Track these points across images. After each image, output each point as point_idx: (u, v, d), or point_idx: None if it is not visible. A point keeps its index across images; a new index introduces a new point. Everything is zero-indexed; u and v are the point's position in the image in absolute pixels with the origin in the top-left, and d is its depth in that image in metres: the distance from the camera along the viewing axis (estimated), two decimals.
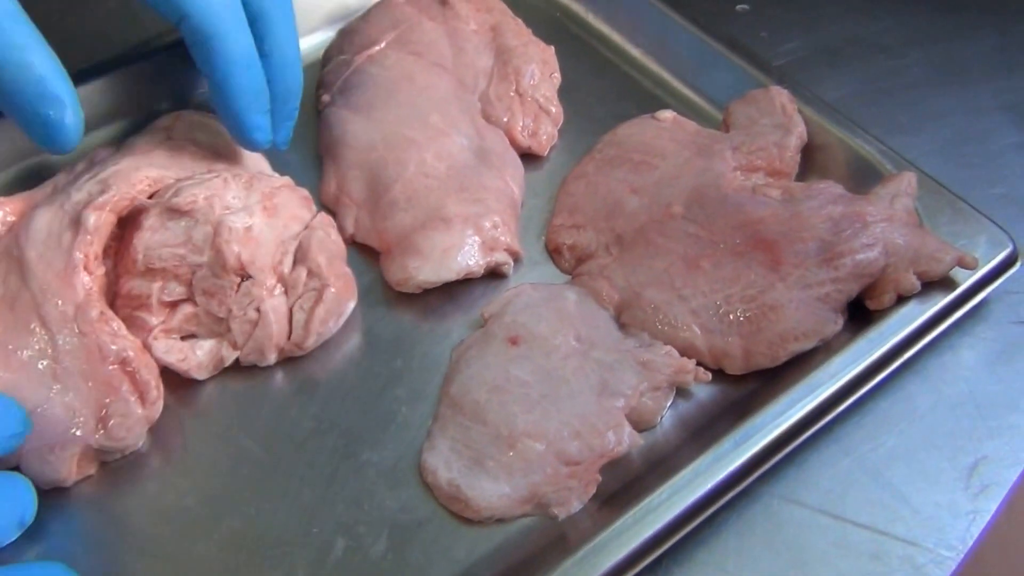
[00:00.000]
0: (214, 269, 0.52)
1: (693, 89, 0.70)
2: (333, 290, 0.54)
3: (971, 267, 0.54)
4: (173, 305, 0.53)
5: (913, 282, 0.54)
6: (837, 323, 0.54)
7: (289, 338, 0.54)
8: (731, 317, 0.54)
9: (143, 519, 0.49)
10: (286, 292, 0.54)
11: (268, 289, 0.53)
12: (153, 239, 0.51)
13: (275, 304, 0.53)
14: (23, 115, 0.46)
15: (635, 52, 0.72)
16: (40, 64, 0.45)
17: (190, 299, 0.53)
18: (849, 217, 0.55)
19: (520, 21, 0.71)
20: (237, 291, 0.52)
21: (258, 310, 0.52)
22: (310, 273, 0.54)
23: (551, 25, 0.74)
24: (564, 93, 0.69)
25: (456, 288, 0.58)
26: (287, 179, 0.57)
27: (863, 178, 0.61)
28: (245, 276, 0.52)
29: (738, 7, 0.77)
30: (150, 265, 0.51)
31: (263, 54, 0.54)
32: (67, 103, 0.46)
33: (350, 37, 0.69)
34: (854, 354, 0.52)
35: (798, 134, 0.61)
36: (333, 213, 0.62)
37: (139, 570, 0.47)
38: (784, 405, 0.50)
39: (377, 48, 0.67)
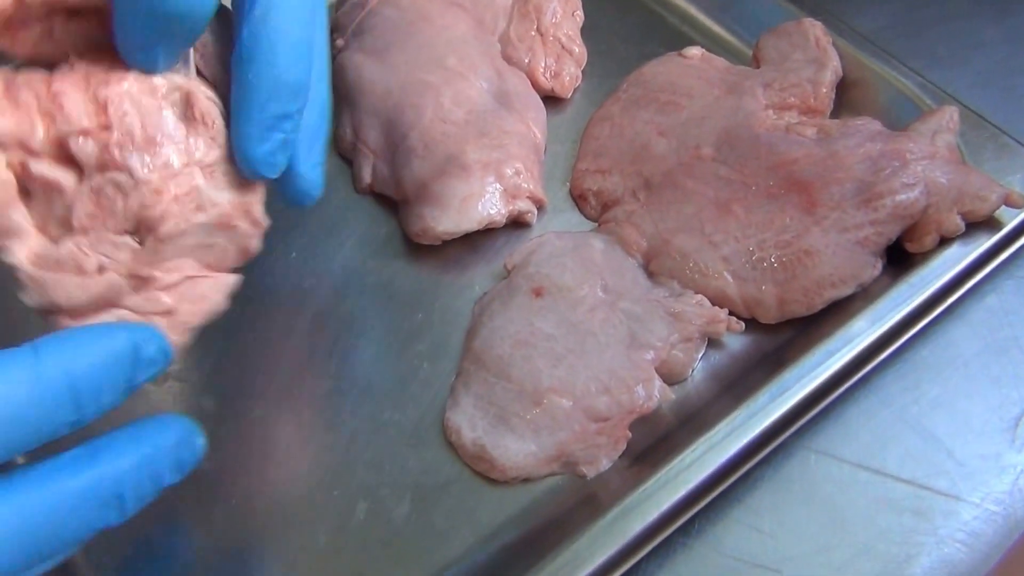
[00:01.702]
0: None
1: (721, 24, 0.67)
2: None
3: (1018, 205, 0.51)
4: None
5: (957, 223, 0.51)
6: (876, 267, 0.51)
7: None
8: (764, 263, 0.51)
9: None
10: None
11: None
12: None
13: None
14: None
15: None
16: None
17: None
18: (888, 155, 0.52)
19: None
20: None
21: None
22: None
23: None
24: (587, 32, 0.66)
25: (477, 238, 0.56)
26: None
27: (902, 114, 0.58)
28: None
29: None
30: None
31: (248, 22, 0.39)
32: None
33: None
34: (894, 300, 0.50)
35: (833, 68, 0.58)
36: (350, 162, 0.60)
37: (155, 534, 0.46)
38: (821, 356, 0.48)
39: None
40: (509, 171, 0.55)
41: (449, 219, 0.54)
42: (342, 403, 0.51)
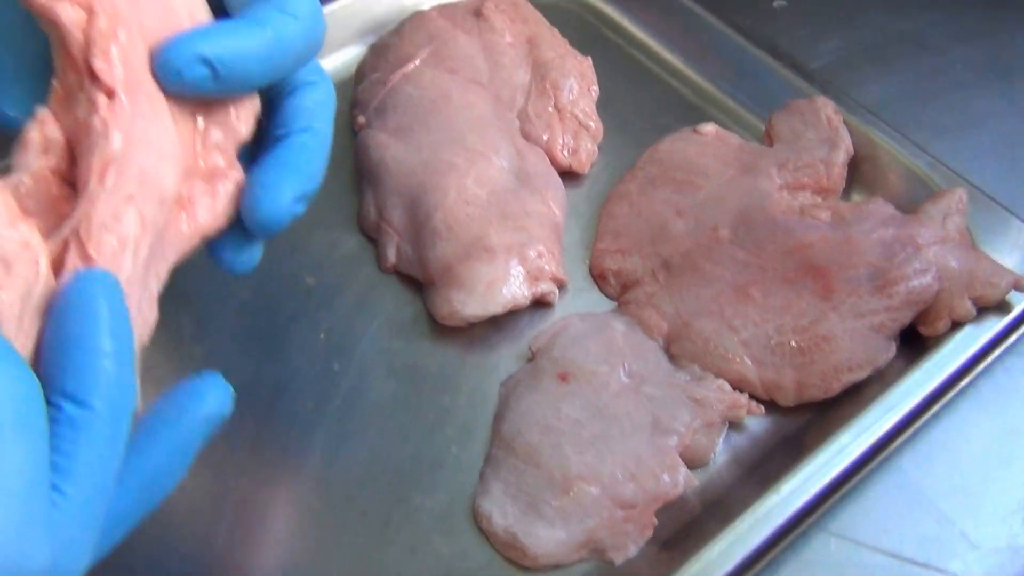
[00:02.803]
0: None
1: (733, 98, 0.68)
2: None
3: None
4: None
5: (968, 308, 0.53)
6: (890, 351, 0.53)
7: None
8: (783, 348, 0.53)
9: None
10: None
11: None
12: None
13: None
14: None
15: (673, 59, 0.71)
16: None
17: None
18: (901, 240, 0.54)
19: (556, 31, 0.69)
20: None
21: None
22: None
23: (585, 31, 0.73)
24: (601, 105, 0.68)
25: (501, 318, 0.57)
26: None
27: (912, 192, 0.60)
28: None
29: (775, 3, 0.75)
30: None
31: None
32: None
33: (383, 54, 0.68)
34: (910, 385, 0.52)
35: (845, 148, 0.60)
36: (374, 241, 0.61)
37: None
38: (840, 443, 0.50)
39: (412, 65, 0.66)
40: (532, 254, 0.57)
41: (475, 303, 0.56)
42: (374, 487, 0.52)
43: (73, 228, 0.34)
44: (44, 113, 0.37)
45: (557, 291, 0.58)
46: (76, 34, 0.36)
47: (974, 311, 0.53)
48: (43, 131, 0.37)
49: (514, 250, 0.57)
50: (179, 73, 0.37)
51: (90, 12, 0.36)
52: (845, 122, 0.62)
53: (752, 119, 0.67)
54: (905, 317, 0.53)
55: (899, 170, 0.61)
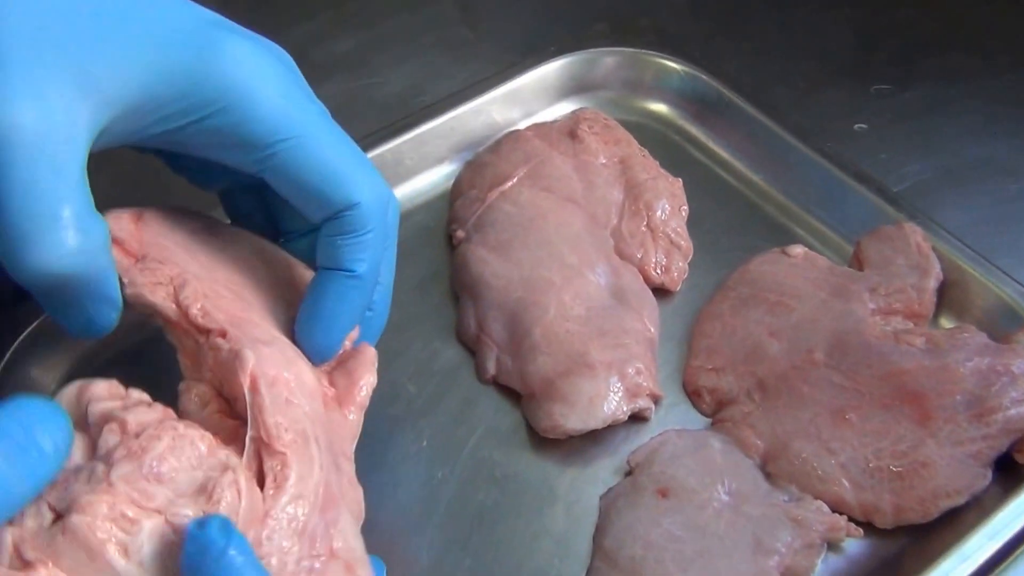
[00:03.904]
0: None
1: (818, 218, 0.70)
2: None
3: None
4: None
5: None
6: (987, 478, 0.54)
7: None
8: (881, 472, 0.54)
9: None
10: None
11: None
12: None
13: None
14: (74, 313, 0.42)
15: (759, 180, 0.73)
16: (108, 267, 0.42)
17: None
18: (997, 370, 0.55)
19: (647, 152, 0.72)
20: None
21: None
22: None
23: (674, 150, 0.76)
24: (690, 223, 0.70)
25: (599, 431, 0.59)
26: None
27: (1001, 320, 0.61)
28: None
29: (856, 126, 0.77)
30: None
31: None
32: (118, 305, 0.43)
33: (480, 171, 0.70)
34: (1009, 514, 0.52)
35: (935, 275, 0.62)
36: (473, 352, 0.63)
37: None
38: (943, 569, 0.51)
39: (509, 184, 0.68)
40: (631, 370, 0.59)
41: (577, 417, 0.57)
42: None
43: (253, 438, 0.40)
44: (183, 385, 0.45)
45: (653, 407, 0.60)
46: (172, 307, 0.44)
47: None
48: (192, 395, 0.44)
49: (614, 367, 0.59)
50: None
51: (173, 286, 0.44)
52: (932, 248, 0.63)
53: (837, 240, 0.69)
54: (1002, 445, 0.54)
55: (988, 296, 0.62)
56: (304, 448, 0.40)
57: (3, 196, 0.37)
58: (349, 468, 0.45)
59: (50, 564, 0.32)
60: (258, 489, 0.38)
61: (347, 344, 0.49)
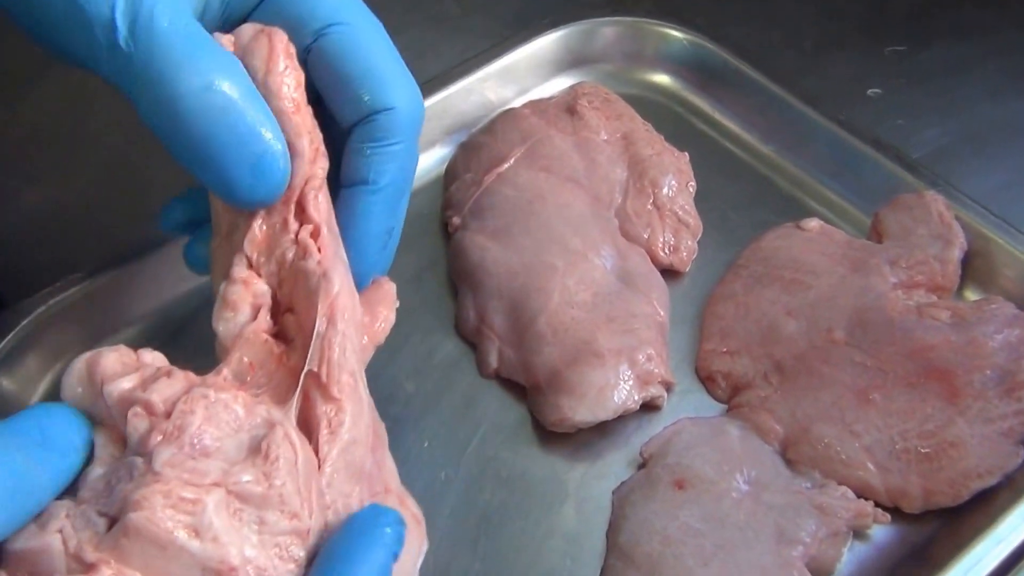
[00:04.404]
0: None
1: (832, 190, 0.67)
2: None
3: None
4: None
5: None
6: (1019, 456, 0.51)
7: None
8: (908, 454, 0.51)
9: None
10: None
11: None
12: None
13: None
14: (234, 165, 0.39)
15: (769, 151, 0.70)
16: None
17: None
18: None
19: (650, 126, 0.69)
20: None
21: None
22: None
23: (678, 124, 0.72)
24: (697, 200, 0.67)
25: (608, 423, 0.56)
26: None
27: None
28: None
29: (869, 91, 0.74)
30: None
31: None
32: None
33: (475, 153, 0.67)
34: None
35: (959, 245, 0.58)
36: (473, 345, 0.60)
37: None
38: (977, 554, 0.48)
39: (506, 165, 0.65)
40: (641, 357, 0.56)
41: (586, 409, 0.54)
42: None
43: (309, 378, 0.37)
44: (245, 273, 0.40)
45: (666, 394, 0.57)
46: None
47: None
48: (251, 289, 0.40)
49: (623, 354, 0.56)
50: None
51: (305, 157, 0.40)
52: (955, 216, 0.60)
53: (854, 212, 0.66)
54: None
55: (1015, 265, 0.59)
56: (355, 390, 0.39)
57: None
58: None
59: (113, 562, 0.31)
60: (306, 440, 0.36)
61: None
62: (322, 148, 0.42)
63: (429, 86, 0.70)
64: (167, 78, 0.37)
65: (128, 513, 0.32)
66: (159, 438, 0.34)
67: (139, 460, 0.33)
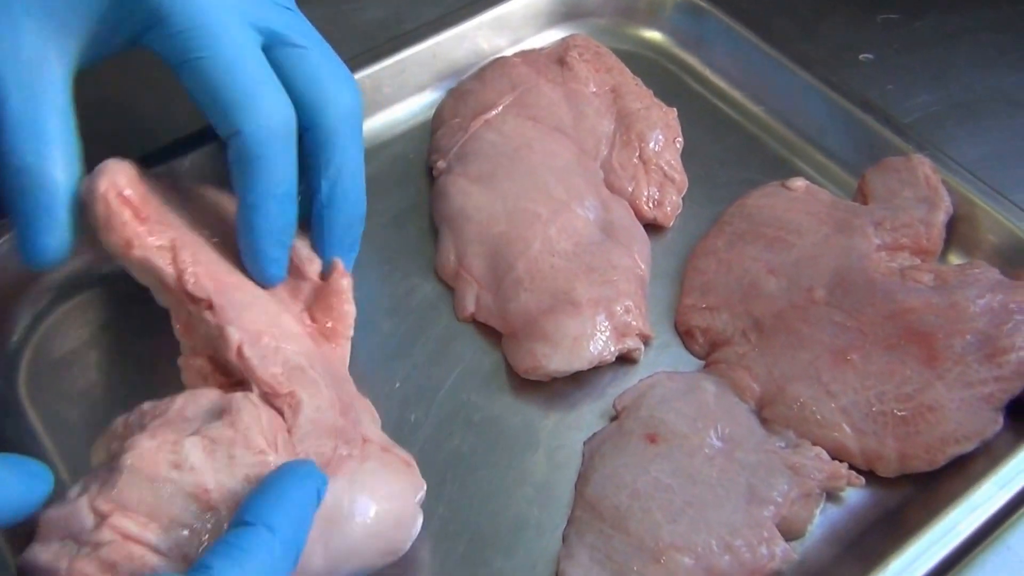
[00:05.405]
0: None
1: (821, 151, 0.66)
2: None
3: None
4: None
5: None
6: (998, 422, 0.51)
7: None
8: (885, 417, 0.51)
9: None
10: None
11: None
12: None
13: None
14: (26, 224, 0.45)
15: (759, 111, 0.69)
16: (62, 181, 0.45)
17: None
18: (1010, 308, 0.52)
19: (640, 81, 0.68)
20: None
21: None
22: None
23: (668, 80, 0.72)
24: (684, 157, 0.66)
25: (584, 373, 0.55)
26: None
27: (1013, 255, 0.58)
28: None
29: (861, 56, 0.73)
30: None
31: (327, 178, 0.52)
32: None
33: (464, 99, 0.66)
34: (1021, 462, 0.49)
35: (945, 209, 0.58)
36: (452, 288, 0.59)
37: None
38: (952, 520, 0.47)
39: (494, 112, 0.64)
40: (619, 309, 0.55)
41: (561, 358, 0.54)
42: (452, 549, 0.50)
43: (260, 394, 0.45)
44: (182, 360, 0.49)
45: (643, 347, 0.56)
46: (171, 272, 0.46)
47: None
48: (193, 370, 0.48)
49: (601, 305, 0.55)
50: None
51: (173, 250, 0.46)
52: (942, 180, 0.59)
53: (842, 173, 0.65)
54: (1015, 388, 0.50)
55: (1000, 231, 0.58)
56: (304, 376, 0.46)
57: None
58: (351, 387, 0.49)
59: (117, 513, 0.38)
60: (272, 411, 0.44)
61: (313, 275, 0.52)
62: (168, 239, 0.47)
63: (421, 31, 0.70)
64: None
65: (125, 456, 0.39)
66: (142, 422, 0.42)
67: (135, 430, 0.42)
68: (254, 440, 0.41)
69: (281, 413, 0.44)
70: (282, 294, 0.51)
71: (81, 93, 0.47)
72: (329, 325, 0.52)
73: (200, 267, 0.46)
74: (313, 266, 0.53)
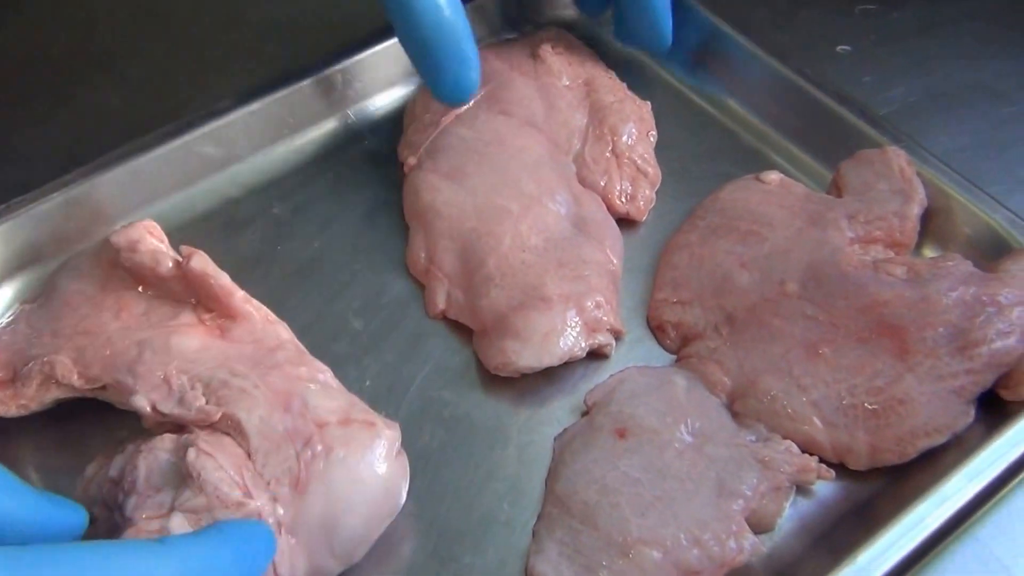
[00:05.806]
0: None
1: (797, 144, 0.66)
2: None
3: None
4: None
5: None
6: (969, 415, 0.50)
7: None
8: (856, 410, 0.50)
9: None
10: None
11: None
12: None
13: None
14: (439, 71, 0.54)
15: (733, 103, 0.68)
16: (463, 28, 0.53)
17: None
18: (982, 300, 0.51)
19: (613, 74, 0.67)
20: None
21: None
22: None
23: (643, 73, 0.71)
24: (658, 150, 0.65)
25: (555, 369, 0.55)
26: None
27: (988, 248, 0.57)
28: None
29: (838, 48, 0.73)
30: None
31: None
32: (475, 64, 0.54)
33: None
34: (992, 455, 0.48)
35: (919, 201, 0.57)
36: (423, 285, 0.59)
37: None
38: (920, 512, 0.47)
39: (465, 107, 0.64)
40: (590, 304, 0.55)
41: (531, 354, 0.53)
42: (423, 545, 0.49)
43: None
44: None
45: (614, 343, 0.56)
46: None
47: None
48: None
49: (571, 300, 0.55)
50: None
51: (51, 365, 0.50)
52: (917, 172, 0.59)
53: (817, 167, 0.64)
54: (986, 380, 0.50)
55: (976, 224, 0.58)
56: (229, 389, 0.47)
57: None
58: (281, 362, 0.50)
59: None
60: (223, 441, 0.46)
61: (168, 272, 0.52)
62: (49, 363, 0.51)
63: None
64: None
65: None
66: (122, 496, 0.44)
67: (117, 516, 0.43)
68: (227, 496, 0.43)
69: (230, 434, 0.46)
70: (163, 310, 0.52)
71: None
72: (218, 305, 0.52)
73: (80, 362, 0.50)
74: (163, 267, 0.51)
